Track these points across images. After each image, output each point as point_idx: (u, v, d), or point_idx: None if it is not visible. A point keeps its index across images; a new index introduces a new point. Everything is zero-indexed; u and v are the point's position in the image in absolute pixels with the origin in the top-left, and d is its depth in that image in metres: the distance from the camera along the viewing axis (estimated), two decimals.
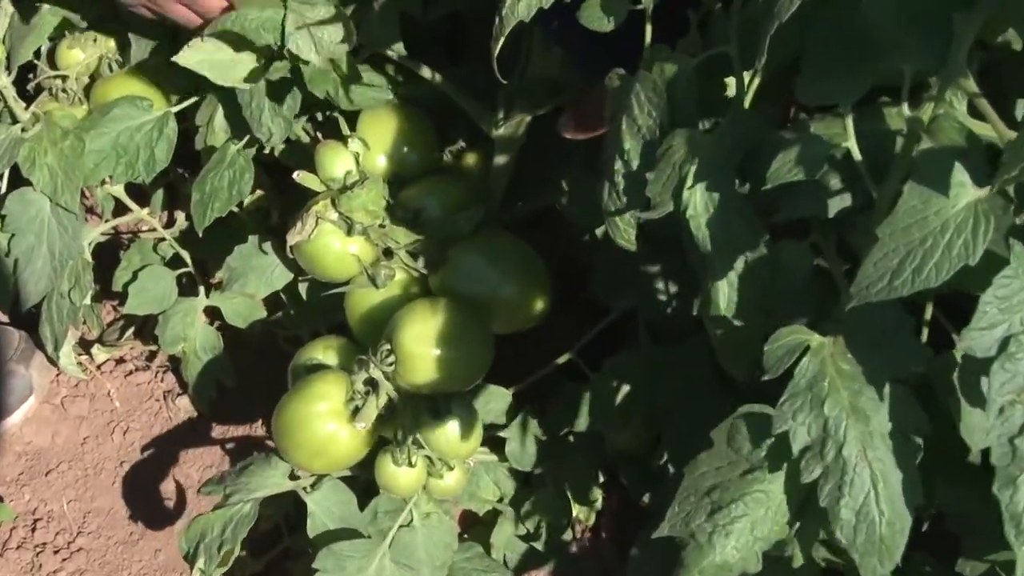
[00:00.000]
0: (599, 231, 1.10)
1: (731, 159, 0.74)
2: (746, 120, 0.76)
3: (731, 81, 0.82)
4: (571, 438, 1.17)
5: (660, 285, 1.07)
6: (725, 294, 0.73)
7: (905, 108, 0.66)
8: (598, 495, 1.23)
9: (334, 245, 1.12)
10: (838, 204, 0.70)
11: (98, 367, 1.51)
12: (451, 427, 1.06)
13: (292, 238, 1.12)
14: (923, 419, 0.67)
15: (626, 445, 1.19)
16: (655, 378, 1.08)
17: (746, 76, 0.78)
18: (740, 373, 0.77)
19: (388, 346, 1.05)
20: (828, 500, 0.66)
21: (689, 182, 0.73)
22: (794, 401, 0.66)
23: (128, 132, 1.16)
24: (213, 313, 1.36)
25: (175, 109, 1.18)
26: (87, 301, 1.24)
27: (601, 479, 1.23)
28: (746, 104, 0.78)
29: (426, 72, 1.11)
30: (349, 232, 1.11)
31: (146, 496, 1.45)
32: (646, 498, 1.13)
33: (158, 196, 1.33)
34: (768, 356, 0.67)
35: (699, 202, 0.73)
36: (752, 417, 0.71)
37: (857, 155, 0.68)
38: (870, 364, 0.66)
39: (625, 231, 0.81)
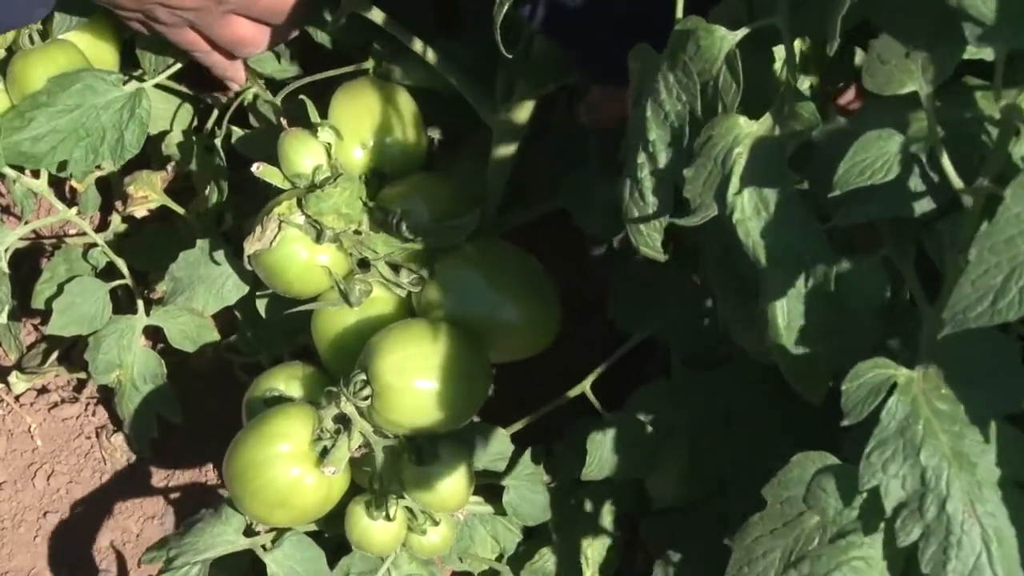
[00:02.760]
0: (618, 241, 1.10)
1: (784, 152, 0.72)
2: (802, 106, 0.73)
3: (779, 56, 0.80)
4: (585, 485, 1.15)
5: (694, 307, 1.06)
6: (784, 316, 0.72)
7: (997, 92, 0.64)
8: (616, 553, 1.21)
9: (300, 255, 1.10)
10: (918, 207, 0.69)
11: (16, 399, 1.49)
12: (437, 474, 1.05)
13: (250, 246, 1.10)
14: None
15: (664, 493, 1.16)
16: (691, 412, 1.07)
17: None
18: (814, 397, 0.77)
19: (363, 376, 1.04)
20: (932, 566, 0.65)
21: (735, 180, 0.71)
22: (883, 449, 0.65)
23: (93, 111, 1.16)
24: (155, 335, 1.34)
25: (151, 82, 1.19)
26: (3, 319, 1.24)
27: (620, 534, 1.21)
28: (796, 85, 0.75)
29: (417, 46, 1.09)
30: (318, 239, 1.10)
31: (75, 553, 1.43)
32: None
33: (89, 193, 1.30)
34: (847, 397, 0.66)
35: (748, 204, 0.72)
36: (832, 470, 0.70)
37: (941, 149, 0.66)
38: (971, 401, 0.65)
39: (650, 237, 0.79)
